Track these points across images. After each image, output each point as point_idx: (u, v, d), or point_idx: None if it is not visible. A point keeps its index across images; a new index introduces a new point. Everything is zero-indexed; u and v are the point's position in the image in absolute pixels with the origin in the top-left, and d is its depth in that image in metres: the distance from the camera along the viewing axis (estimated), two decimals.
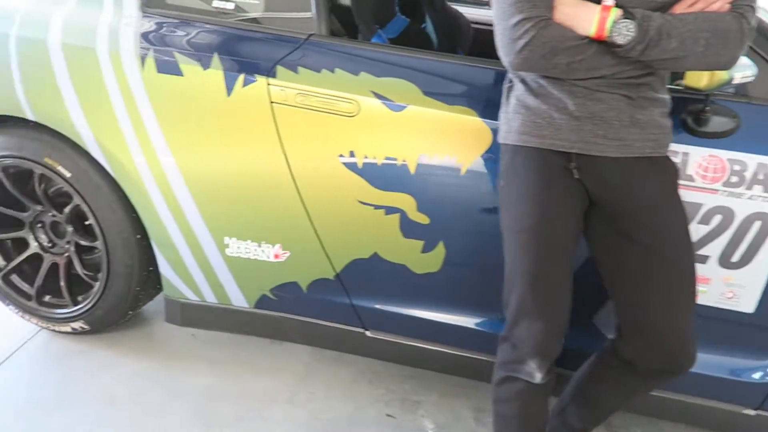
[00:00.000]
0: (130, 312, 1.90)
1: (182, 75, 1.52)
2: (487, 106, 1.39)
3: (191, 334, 1.99)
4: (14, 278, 1.93)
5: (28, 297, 1.91)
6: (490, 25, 2.71)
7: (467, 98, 1.42)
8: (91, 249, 1.88)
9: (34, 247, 1.90)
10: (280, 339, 1.80)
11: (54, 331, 1.93)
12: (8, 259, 1.92)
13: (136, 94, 1.55)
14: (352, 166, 1.48)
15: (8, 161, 1.73)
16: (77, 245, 1.85)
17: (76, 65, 1.59)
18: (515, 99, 1.17)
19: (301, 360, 1.91)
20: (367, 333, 1.68)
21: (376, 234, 1.54)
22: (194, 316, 1.81)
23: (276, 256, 1.63)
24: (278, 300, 1.71)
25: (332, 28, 1.57)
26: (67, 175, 1.68)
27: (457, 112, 1.40)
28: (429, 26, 2.34)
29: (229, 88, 1.50)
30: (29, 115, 1.64)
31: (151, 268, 1.80)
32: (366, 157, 1.46)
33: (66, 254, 1.88)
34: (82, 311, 1.85)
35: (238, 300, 1.74)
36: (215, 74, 1.51)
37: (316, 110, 1.47)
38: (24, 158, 1.71)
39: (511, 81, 1.22)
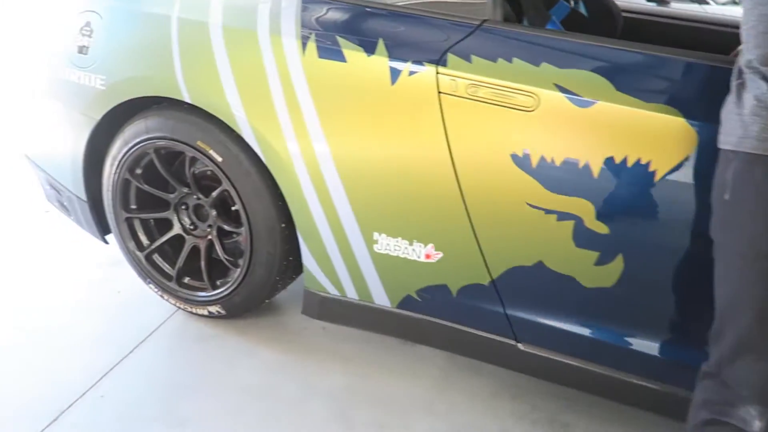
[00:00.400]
0: (266, 300, 1.88)
1: (345, 61, 1.45)
2: (695, 106, 1.22)
3: (322, 327, 1.94)
4: (156, 258, 1.95)
5: (168, 277, 1.92)
6: (640, 13, 2.53)
7: (670, 96, 1.25)
8: (230, 233, 1.87)
9: (177, 228, 1.91)
10: (420, 342, 1.71)
11: (190, 312, 1.94)
12: (152, 238, 1.94)
13: (295, 79, 1.49)
14: (524, 165, 1.34)
15: (161, 143, 1.73)
16: (219, 229, 1.84)
17: (235, 48, 1.55)
18: (754, 99, 0.99)
19: (435, 365, 1.82)
20: (519, 346, 1.55)
21: (544, 241, 1.40)
22: (332, 311, 1.74)
23: (427, 257, 1.54)
24: (423, 302, 1.61)
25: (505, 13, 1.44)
26: (219, 159, 1.66)
27: (657, 111, 1.24)
28: (582, 11, 2.16)
29: (394, 76, 1.41)
30: (185, 98, 1.63)
31: (291, 258, 1.76)
32: (542, 157, 1.33)
33: (207, 237, 1.87)
34: (221, 296, 1.84)
35: (381, 298, 1.66)
36: (380, 61, 1.42)
37: (488, 103, 1.35)
38: (177, 140, 1.70)
39: (741, 77, 1.04)
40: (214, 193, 1.76)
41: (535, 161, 1.33)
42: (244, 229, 1.72)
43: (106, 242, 2.05)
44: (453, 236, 1.49)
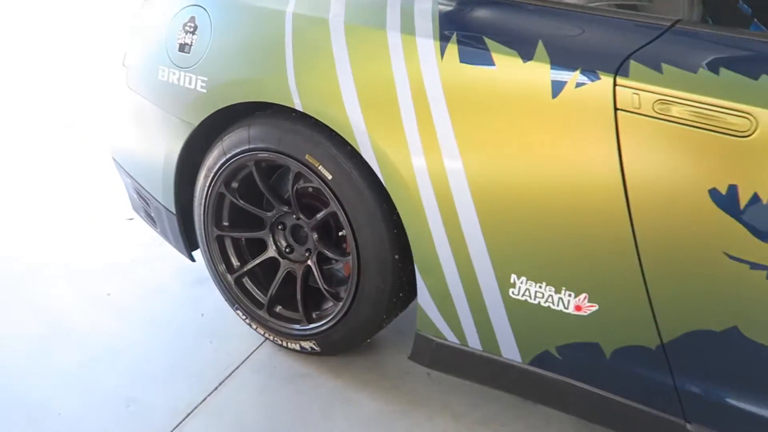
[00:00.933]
0: (368, 340, 1.64)
1: (494, 67, 1.20)
2: None
3: (427, 372, 1.69)
4: (246, 282, 1.75)
5: (259, 305, 1.72)
6: None
7: None
8: (329, 260, 1.65)
9: (271, 251, 1.71)
10: (554, 407, 1.42)
11: (279, 345, 1.73)
12: (243, 260, 1.75)
13: (429, 87, 1.26)
14: (727, 205, 1.05)
15: (264, 155, 1.53)
16: (319, 255, 1.62)
17: (359, 49, 1.33)
18: None
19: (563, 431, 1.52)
20: (688, 426, 1.25)
21: (744, 302, 1.10)
22: (448, 360, 1.48)
23: (577, 309, 1.26)
24: (564, 361, 1.33)
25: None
26: (328, 176, 1.44)
27: None
28: None
29: (557, 88, 1.15)
30: (297, 105, 1.42)
31: (401, 295, 1.52)
32: (755, 195, 1.03)
33: (305, 263, 1.65)
34: (318, 331, 1.62)
35: (510, 352, 1.39)
36: (538, 68, 1.16)
37: (684, 124, 1.06)
38: (282, 153, 1.50)
39: None
40: (320, 215, 1.54)
41: (744, 200, 1.04)
42: (351, 258, 1.49)
43: (193, 259, 1.87)
44: (616, 286, 1.20)
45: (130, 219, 2.45)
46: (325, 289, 1.60)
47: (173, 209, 1.77)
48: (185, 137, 1.62)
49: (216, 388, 1.58)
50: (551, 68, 1.15)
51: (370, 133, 1.34)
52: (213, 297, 1.91)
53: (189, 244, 1.85)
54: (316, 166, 1.45)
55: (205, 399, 1.55)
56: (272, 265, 1.72)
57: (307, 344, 1.67)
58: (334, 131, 1.41)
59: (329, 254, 1.59)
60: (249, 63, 1.48)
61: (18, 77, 4.33)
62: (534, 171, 1.20)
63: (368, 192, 1.41)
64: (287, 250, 1.69)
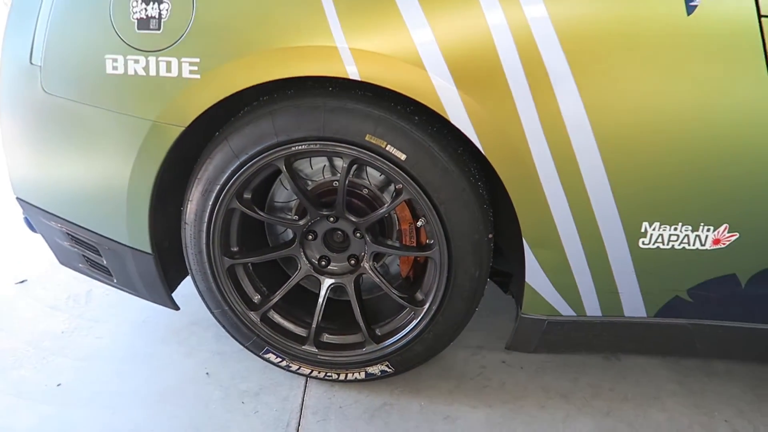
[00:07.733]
0: (451, 343, 1.39)
1: None
2: None
3: (501, 360, 1.51)
4: (274, 316, 1.39)
5: (299, 339, 1.38)
6: None
7: None
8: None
9: (306, 268, 1.37)
10: (679, 354, 1.34)
11: (332, 380, 1.40)
12: (261, 291, 1.37)
13: (531, 16, 1.05)
14: None
15: (300, 147, 1.19)
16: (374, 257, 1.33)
17: None
18: None
19: (670, 380, 1.46)
20: None
21: None
22: (559, 337, 1.32)
23: (715, 242, 1.17)
24: (694, 303, 1.25)
25: None
26: (401, 157, 1.16)
27: None
28: None
29: (690, 3, 1.03)
30: (350, 73, 1.11)
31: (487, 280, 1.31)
32: None
33: (355, 273, 1.35)
34: (393, 350, 1.34)
35: (634, 309, 1.27)
36: None
37: None
38: (329, 140, 1.17)
39: None
40: (383, 209, 1.25)
41: None
42: (435, 251, 1.24)
43: (177, 307, 1.43)
44: (761, 211, 1.14)
45: (21, 282, 1.83)
46: (398, 295, 1.32)
47: (148, 248, 1.32)
48: (168, 145, 1.20)
49: None
50: None
51: (462, 92, 1.09)
52: (206, 347, 1.50)
53: (169, 287, 1.41)
54: (382, 146, 1.16)
55: None
56: (301, 288, 1.38)
57: (375, 368, 1.37)
58: (398, 101, 1.13)
59: (396, 251, 1.31)
60: (271, 26, 1.12)
61: None
62: (670, 102, 1.07)
63: (454, 166, 1.17)
64: (322, 263, 1.37)
